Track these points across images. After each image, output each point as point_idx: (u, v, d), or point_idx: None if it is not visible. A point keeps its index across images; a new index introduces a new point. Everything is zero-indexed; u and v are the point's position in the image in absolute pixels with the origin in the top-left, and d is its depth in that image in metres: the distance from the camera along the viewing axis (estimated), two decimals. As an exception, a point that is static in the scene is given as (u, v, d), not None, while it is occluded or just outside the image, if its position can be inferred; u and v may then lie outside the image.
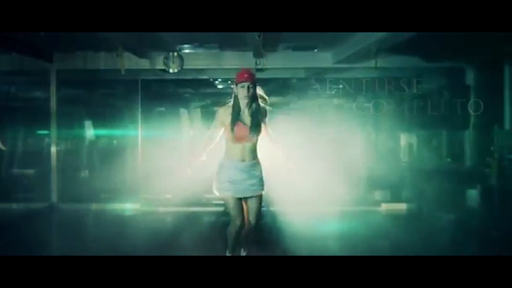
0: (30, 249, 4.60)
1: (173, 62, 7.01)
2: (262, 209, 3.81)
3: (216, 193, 3.64)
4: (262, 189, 3.64)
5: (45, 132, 7.48)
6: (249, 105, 3.56)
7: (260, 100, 3.63)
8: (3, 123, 7.33)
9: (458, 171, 6.90)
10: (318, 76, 7.82)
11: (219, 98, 10.28)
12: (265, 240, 4.71)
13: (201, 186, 6.67)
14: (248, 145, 3.57)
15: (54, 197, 7.26)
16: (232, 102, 3.60)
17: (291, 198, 6.34)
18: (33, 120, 7.78)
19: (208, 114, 9.17)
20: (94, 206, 7.04)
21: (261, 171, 3.66)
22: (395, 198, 7.21)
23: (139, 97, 7.76)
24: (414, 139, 8.39)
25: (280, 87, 8.17)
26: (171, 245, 4.80)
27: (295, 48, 6.89)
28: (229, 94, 3.73)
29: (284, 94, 8.52)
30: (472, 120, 7.05)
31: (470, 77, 7.19)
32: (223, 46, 6.83)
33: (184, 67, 7.06)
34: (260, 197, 3.65)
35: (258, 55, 6.79)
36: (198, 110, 8.64)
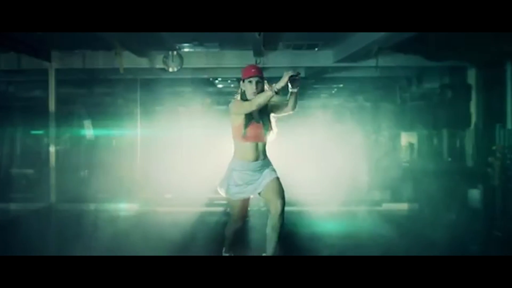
0: (29, 249, 4.54)
1: (172, 61, 6.97)
2: (262, 209, 3.77)
3: (225, 195, 3.52)
4: (276, 174, 3.51)
5: (44, 131, 7.44)
6: None
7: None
8: (1, 123, 7.30)
9: (459, 170, 6.87)
10: (318, 75, 7.80)
11: (219, 97, 10.30)
12: (265, 240, 4.67)
13: (201, 186, 6.69)
14: (261, 143, 3.46)
15: (52, 197, 7.22)
16: (239, 99, 3.47)
17: (291, 198, 6.29)
18: (31, 119, 7.75)
19: (208, 114, 9.16)
20: (93, 206, 7.00)
21: (271, 164, 3.57)
22: (396, 198, 7.18)
23: (138, 96, 7.74)
24: (415, 139, 8.37)
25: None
26: (171, 245, 4.75)
27: (296, 47, 6.86)
28: (229, 93, 3.67)
29: (284, 93, 8.49)
30: (473, 119, 7.02)
31: (471, 76, 7.16)
32: (223, 45, 6.80)
33: (184, 66, 7.02)
34: (277, 180, 3.49)
35: (258, 54, 6.77)
36: (198, 109, 8.61)
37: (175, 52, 6.95)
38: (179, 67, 7.00)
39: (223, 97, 9.75)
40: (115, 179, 7.28)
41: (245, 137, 3.39)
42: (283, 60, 7.11)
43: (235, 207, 3.52)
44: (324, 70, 7.74)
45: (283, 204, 3.45)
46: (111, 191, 7.27)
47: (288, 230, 5.25)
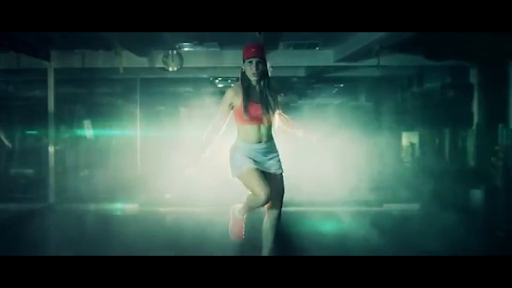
0: (28, 249, 4.54)
1: (172, 61, 6.94)
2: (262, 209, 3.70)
3: (236, 176, 3.34)
4: (281, 169, 3.42)
5: (43, 131, 7.40)
6: (259, 82, 3.32)
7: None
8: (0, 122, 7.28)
9: (461, 171, 6.84)
10: (319, 75, 7.77)
11: (219, 97, 10.27)
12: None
13: (201, 186, 6.66)
14: (263, 126, 3.33)
15: (52, 198, 7.19)
16: (240, 81, 3.36)
17: (292, 198, 6.28)
18: (31, 119, 7.73)
19: (208, 114, 9.12)
20: (92, 207, 6.97)
21: (277, 151, 3.45)
22: (397, 199, 7.15)
23: (138, 96, 7.71)
24: (416, 138, 8.33)
25: (281, 85, 8.09)
26: (171, 245, 4.73)
27: (296, 46, 6.82)
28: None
29: (285, 93, 8.46)
30: (475, 119, 6.98)
31: (473, 75, 7.13)
32: (223, 44, 6.77)
33: (184, 65, 6.98)
34: (282, 177, 3.41)
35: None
36: (198, 109, 8.58)
37: (175, 52, 6.92)
38: (179, 67, 6.97)
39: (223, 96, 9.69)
40: (115, 179, 7.26)
41: (246, 119, 3.28)
42: (283, 59, 7.06)
43: (253, 178, 3.21)
44: (324, 69, 7.70)
45: (282, 203, 3.42)
46: (110, 191, 7.25)
47: (286, 230, 5.26)
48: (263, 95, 3.32)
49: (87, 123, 8.09)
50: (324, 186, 6.60)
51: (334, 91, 10.45)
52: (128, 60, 6.81)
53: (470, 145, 7.05)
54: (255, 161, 3.29)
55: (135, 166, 7.63)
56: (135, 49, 6.72)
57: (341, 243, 4.91)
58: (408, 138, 8.47)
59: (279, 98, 3.41)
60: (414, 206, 6.82)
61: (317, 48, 7.01)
